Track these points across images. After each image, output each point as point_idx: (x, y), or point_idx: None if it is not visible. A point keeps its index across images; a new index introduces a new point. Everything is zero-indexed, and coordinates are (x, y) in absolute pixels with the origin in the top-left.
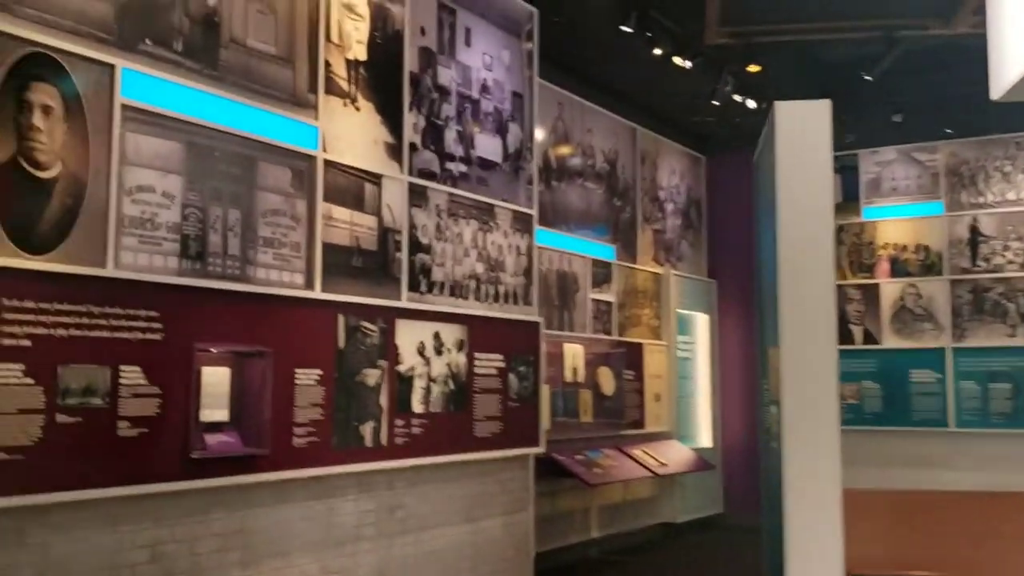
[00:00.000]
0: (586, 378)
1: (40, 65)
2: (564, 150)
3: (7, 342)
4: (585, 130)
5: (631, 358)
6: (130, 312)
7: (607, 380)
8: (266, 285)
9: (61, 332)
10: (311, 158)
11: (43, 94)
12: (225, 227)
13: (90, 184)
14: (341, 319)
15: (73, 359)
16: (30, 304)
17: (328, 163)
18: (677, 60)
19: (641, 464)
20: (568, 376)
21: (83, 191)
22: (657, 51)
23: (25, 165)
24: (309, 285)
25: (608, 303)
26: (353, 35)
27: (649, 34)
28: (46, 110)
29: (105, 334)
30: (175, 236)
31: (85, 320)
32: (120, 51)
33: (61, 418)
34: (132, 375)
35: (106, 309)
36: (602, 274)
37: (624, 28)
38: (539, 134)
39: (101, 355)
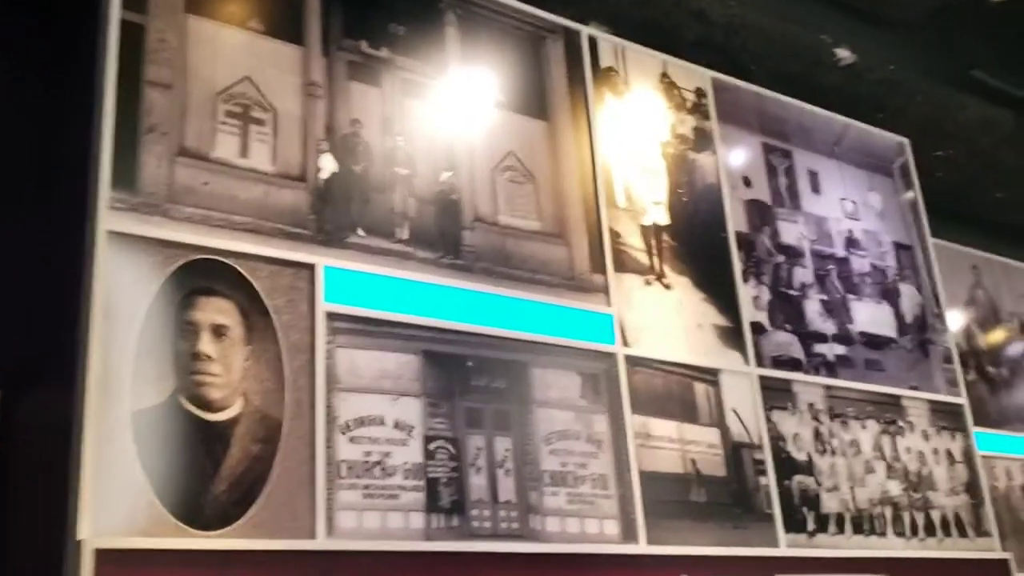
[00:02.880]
0: None
1: (207, 274)
2: (994, 326)
3: None
4: (1017, 297)
5: None
6: None
7: None
8: (561, 542)
9: None
10: (608, 355)
11: (213, 311)
12: (491, 463)
13: (287, 424)
14: None
15: None
16: None
17: (633, 360)
18: None
19: None
20: None
21: (276, 434)
22: None
23: (189, 406)
24: (628, 536)
25: None
26: (646, 195)
27: None
28: (218, 331)
29: None
30: (418, 483)
31: None
32: (321, 246)
33: None
34: None
35: None
36: None
37: None
38: (954, 309)
39: None
